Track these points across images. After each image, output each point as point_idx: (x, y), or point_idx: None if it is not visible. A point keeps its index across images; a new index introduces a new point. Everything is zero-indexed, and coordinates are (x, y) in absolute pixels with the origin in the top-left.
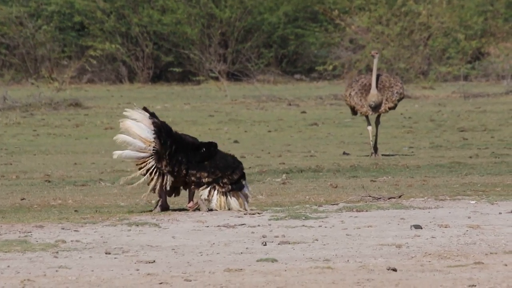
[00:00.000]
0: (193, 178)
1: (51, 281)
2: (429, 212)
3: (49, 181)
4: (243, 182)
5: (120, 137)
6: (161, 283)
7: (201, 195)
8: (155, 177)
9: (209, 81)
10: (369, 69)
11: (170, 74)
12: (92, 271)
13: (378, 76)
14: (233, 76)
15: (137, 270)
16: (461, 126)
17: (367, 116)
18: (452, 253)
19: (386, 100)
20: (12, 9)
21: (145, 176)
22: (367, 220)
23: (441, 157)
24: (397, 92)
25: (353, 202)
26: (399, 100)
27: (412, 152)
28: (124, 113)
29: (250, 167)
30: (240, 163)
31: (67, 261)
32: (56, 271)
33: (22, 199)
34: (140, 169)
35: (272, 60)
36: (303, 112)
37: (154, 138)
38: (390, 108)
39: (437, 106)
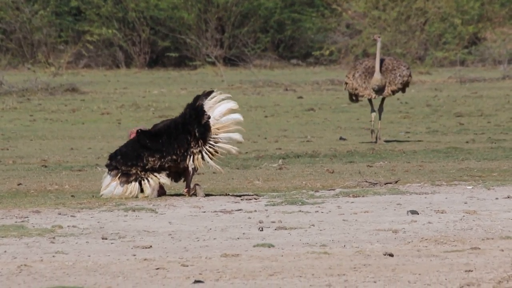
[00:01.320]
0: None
1: (48, 266)
2: (425, 198)
3: (46, 166)
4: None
5: None
6: (157, 268)
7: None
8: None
9: (206, 66)
10: (365, 54)
11: (167, 59)
12: (89, 256)
13: (382, 60)
14: (230, 61)
15: (134, 255)
16: (458, 111)
17: (370, 101)
18: (448, 238)
19: (389, 83)
20: None
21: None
22: (364, 205)
23: (438, 142)
24: (399, 75)
25: (350, 187)
26: (403, 84)
27: (409, 137)
28: None
29: (246, 152)
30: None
31: (64, 246)
32: (53, 256)
33: (18, 184)
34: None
35: (269, 45)
36: (300, 97)
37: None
38: (393, 91)
39: (433, 91)
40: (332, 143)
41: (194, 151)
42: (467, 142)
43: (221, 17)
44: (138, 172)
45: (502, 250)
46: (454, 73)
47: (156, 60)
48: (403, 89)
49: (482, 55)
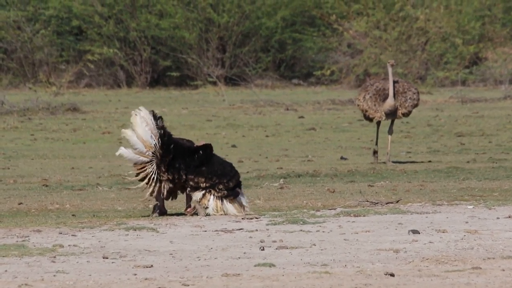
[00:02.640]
0: (191, 183)
1: (49, 285)
2: (426, 217)
3: (47, 186)
4: (239, 191)
5: (127, 133)
6: None
7: (194, 198)
8: (153, 183)
9: (207, 85)
10: (366, 74)
11: (168, 78)
12: (90, 275)
13: (393, 82)
14: (231, 81)
15: (135, 274)
16: (459, 131)
17: (379, 123)
18: (449, 258)
19: (400, 106)
20: (10, 13)
21: (144, 182)
22: (365, 225)
23: (439, 162)
24: (410, 98)
25: (351, 207)
26: (413, 107)
27: (410, 157)
28: (134, 111)
29: (248, 172)
30: (237, 172)
31: (65, 265)
32: (54, 275)
33: (19, 204)
34: (138, 174)
35: (270, 65)
36: (301, 117)
37: (156, 144)
38: (404, 114)
39: (434, 111)
40: (333, 162)
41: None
42: (468, 162)
43: (222, 37)
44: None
45: (503, 270)
46: (455, 93)
47: (157, 80)
48: (410, 112)
49: (483, 75)
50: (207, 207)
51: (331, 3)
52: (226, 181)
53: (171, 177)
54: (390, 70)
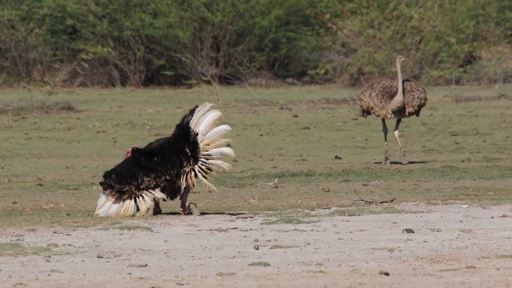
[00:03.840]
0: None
1: (43, 285)
2: (421, 216)
3: (41, 185)
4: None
5: None
6: (153, 287)
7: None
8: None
9: (201, 84)
10: (360, 73)
11: (162, 77)
12: (84, 275)
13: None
14: (225, 80)
15: (129, 274)
16: (453, 130)
17: (383, 120)
18: (444, 257)
19: (407, 104)
20: (4, 12)
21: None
22: (359, 224)
23: (433, 161)
24: (417, 97)
25: (345, 206)
26: (419, 106)
27: (404, 155)
28: None
29: (242, 171)
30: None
31: (59, 265)
32: (48, 275)
33: (14, 203)
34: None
35: (264, 64)
36: (295, 116)
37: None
38: (410, 114)
39: (429, 110)
40: (328, 161)
41: (187, 169)
42: (462, 161)
43: (216, 36)
44: (133, 190)
45: (498, 269)
46: (450, 92)
47: (151, 79)
48: (417, 112)
49: (477, 74)
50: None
51: (325, 2)
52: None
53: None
54: (399, 66)
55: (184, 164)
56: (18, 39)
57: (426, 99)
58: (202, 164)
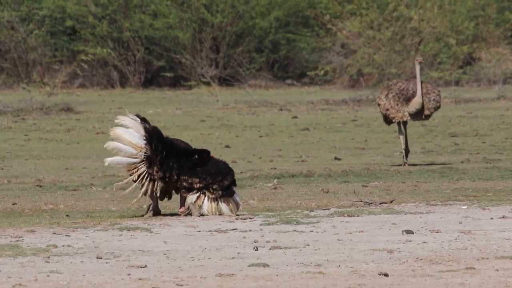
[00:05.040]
0: (184, 184)
1: (43, 286)
2: (420, 217)
3: (41, 186)
4: (234, 189)
5: (111, 144)
6: None
7: (189, 200)
8: (146, 183)
9: (201, 86)
10: (360, 74)
11: (162, 79)
12: (84, 276)
13: (415, 82)
14: (225, 81)
15: (129, 275)
16: (453, 131)
17: (399, 124)
18: (443, 258)
19: (424, 106)
20: (4, 14)
21: (137, 182)
22: (359, 225)
23: (433, 162)
24: (433, 100)
25: (345, 207)
26: (435, 108)
27: (403, 157)
28: (116, 120)
29: (241, 172)
30: (231, 169)
31: (59, 265)
32: (48, 276)
33: (13, 204)
34: (131, 174)
35: (264, 65)
36: (295, 117)
37: (145, 144)
38: (426, 116)
39: None
40: (327, 162)
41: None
42: (462, 162)
43: (216, 37)
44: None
45: (497, 270)
46: (449, 93)
47: (151, 80)
48: (431, 114)
49: (477, 75)
50: (201, 208)
51: (324, 4)
52: (221, 180)
53: (162, 175)
54: (417, 67)
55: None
56: (17, 40)
57: (440, 101)
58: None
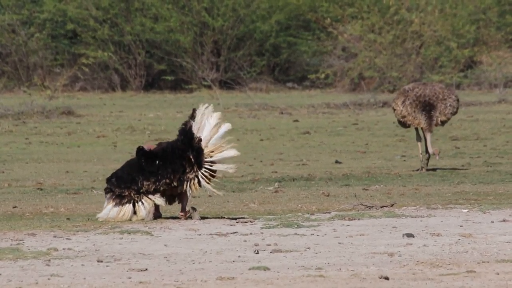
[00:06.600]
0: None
1: None
2: (421, 221)
3: (41, 189)
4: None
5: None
6: None
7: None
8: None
9: (202, 89)
10: (361, 77)
11: (163, 82)
12: (84, 279)
13: (433, 88)
14: (226, 85)
15: (129, 278)
16: (454, 134)
17: (417, 130)
18: (444, 261)
19: (439, 113)
20: (5, 17)
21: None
22: (359, 228)
23: (434, 165)
24: (450, 105)
25: (345, 210)
26: (452, 114)
27: (404, 160)
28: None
29: (242, 176)
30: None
31: (59, 269)
32: (48, 279)
33: (14, 207)
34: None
35: (265, 69)
36: (296, 120)
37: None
38: (442, 122)
39: None
40: (328, 166)
41: (190, 176)
42: (463, 165)
43: (216, 41)
44: (132, 194)
45: (498, 274)
46: None
47: (152, 83)
48: (448, 119)
49: (478, 79)
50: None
51: (325, 7)
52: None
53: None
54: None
55: (187, 171)
56: (18, 43)
57: (458, 107)
58: (205, 171)
